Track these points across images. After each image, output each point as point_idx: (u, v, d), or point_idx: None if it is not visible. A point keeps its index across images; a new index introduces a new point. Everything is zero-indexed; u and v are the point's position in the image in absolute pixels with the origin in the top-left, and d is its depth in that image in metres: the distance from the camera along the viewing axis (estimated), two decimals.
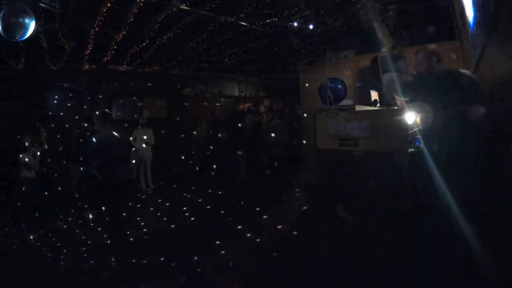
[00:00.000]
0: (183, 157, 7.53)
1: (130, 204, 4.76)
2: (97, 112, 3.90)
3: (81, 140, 4.99)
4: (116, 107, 7.83)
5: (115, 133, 3.68)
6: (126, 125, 6.23)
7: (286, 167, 5.88)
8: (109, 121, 3.70)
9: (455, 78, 2.01)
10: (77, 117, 6.07)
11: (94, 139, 3.60)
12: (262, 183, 5.55)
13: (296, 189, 5.55)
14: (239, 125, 5.33)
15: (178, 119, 8.24)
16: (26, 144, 4.57)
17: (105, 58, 6.52)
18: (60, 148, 5.60)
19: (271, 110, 6.39)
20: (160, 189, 6.28)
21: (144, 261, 3.04)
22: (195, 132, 7.37)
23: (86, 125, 5.10)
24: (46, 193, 4.74)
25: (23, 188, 4.48)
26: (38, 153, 4.64)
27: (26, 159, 4.49)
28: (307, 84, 5.56)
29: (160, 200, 5.39)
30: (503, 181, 1.62)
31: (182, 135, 7.39)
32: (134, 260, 3.07)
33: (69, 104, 6.83)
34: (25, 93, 6.39)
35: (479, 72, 2.37)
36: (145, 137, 6.21)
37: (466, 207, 1.71)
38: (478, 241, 1.63)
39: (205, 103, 9.28)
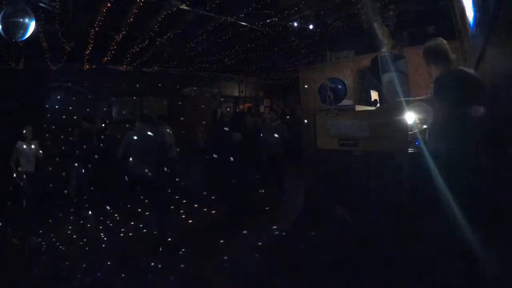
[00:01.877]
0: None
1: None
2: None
3: (82, 140, 4.99)
4: (116, 107, 7.83)
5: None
6: (127, 125, 6.25)
7: (286, 167, 5.88)
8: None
9: (468, 77, 1.99)
10: (77, 117, 6.07)
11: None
12: (263, 183, 5.56)
13: (296, 189, 5.56)
14: (247, 125, 5.26)
15: (178, 119, 8.24)
16: (25, 132, 4.50)
17: (105, 58, 6.51)
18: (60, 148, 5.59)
19: (273, 110, 6.32)
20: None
21: None
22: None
23: (87, 125, 5.12)
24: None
25: (21, 183, 4.41)
26: (35, 147, 4.55)
27: (24, 146, 4.42)
28: (307, 85, 5.56)
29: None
30: (504, 181, 1.62)
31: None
32: None
33: (69, 104, 6.83)
34: (25, 93, 6.38)
35: (479, 72, 2.37)
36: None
37: (467, 207, 1.71)
38: (478, 241, 1.62)
39: (205, 103, 9.30)
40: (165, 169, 4.27)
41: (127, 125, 6.07)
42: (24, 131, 4.50)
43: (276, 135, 5.26)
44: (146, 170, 3.74)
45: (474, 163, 1.74)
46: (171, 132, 5.64)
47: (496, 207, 1.64)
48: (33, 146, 4.53)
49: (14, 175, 4.42)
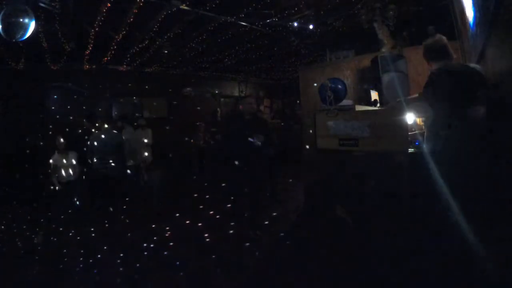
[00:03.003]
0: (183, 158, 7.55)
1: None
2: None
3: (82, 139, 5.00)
4: (116, 107, 7.84)
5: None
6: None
7: (281, 168, 5.82)
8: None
9: (465, 72, 1.93)
10: (78, 116, 6.09)
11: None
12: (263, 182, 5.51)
13: (296, 189, 5.56)
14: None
15: (178, 119, 8.26)
16: (57, 145, 4.67)
17: (105, 58, 6.52)
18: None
19: (260, 110, 6.22)
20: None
21: None
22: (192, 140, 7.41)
23: (87, 124, 5.13)
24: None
25: (68, 192, 4.58)
26: (70, 157, 4.71)
27: (64, 161, 4.60)
28: (307, 85, 5.56)
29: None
30: (505, 181, 1.62)
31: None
32: None
33: (69, 105, 6.83)
34: (25, 93, 6.39)
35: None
36: (145, 139, 6.28)
37: (467, 207, 1.71)
38: (479, 241, 1.62)
39: (205, 103, 9.31)
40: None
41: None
42: (57, 144, 4.70)
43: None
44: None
45: (473, 163, 1.74)
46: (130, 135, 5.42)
47: (496, 206, 1.64)
48: (69, 156, 4.72)
49: (57, 187, 4.62)
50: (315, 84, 5.17)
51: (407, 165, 2.44)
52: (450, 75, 1.94)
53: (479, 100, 1.78)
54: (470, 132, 1.79)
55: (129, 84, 7.76)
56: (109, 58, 6.46)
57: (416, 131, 2.64)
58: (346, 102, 3.23)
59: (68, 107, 6.78)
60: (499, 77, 1.67)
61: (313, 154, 3.74)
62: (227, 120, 6.32)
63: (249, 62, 8.12)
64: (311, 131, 3.46)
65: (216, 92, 9.76)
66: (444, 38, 2.14)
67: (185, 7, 4.13)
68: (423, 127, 2.58)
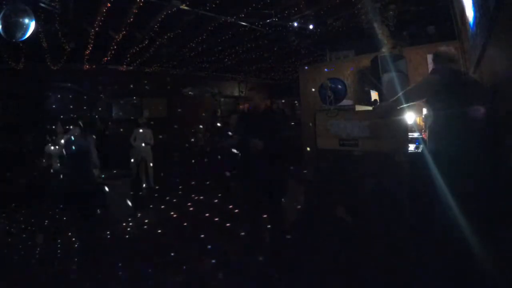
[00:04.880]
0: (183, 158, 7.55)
1: None
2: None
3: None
4: (116, 107, 7.84)
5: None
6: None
7: (286, 167, 5.83)
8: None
9: (458, 76, 1.99)
10: (77, 117, 6.08)
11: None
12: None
13: (296, 189, 5.55)
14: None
15: (178, 119, 8.27)
16: (59, 131, 4.50)
17: (105, 58, 6.52)
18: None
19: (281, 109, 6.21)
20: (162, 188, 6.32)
21: None
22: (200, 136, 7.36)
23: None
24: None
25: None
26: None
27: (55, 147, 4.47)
28: (307, 85, 5.56)
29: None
30: (504, 181, 1.62)
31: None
32: None
33: (69, 104, 6.84)
34: (25, 93, 6.39)
35: (479, 72, 2.38)
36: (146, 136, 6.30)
37: (467, 207, 1.71)
38: (479, 241, 1.62)
39: (205, 103, 9.32)
40: None
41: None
42: (57, 130, 4.56)
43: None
44: None
45: (473, 163, 1.74)
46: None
47: (495, 206, 1.64)
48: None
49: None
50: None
51: (407, 165, 2.44)
52: (451, 75, 1.96)
53: (479, 100, 1.79)
54: (470, 132, 1.79)
55: (129, 84, 7.76)
56: (109, 58, 6.46)
57: (417, 131, 2.64)
58: (346, 102, 3.23)
59: (68, 107, 6.78)
60: (499, 77, 1.67)
61: (313, 154, 3.73)
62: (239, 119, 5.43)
63: (249, 62, 8.12)
64: (311, 131, 3.46)
65: (216, 92, 9.76)
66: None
67: (185, 7, 4.13)
68: (424, 127, 2.58)
